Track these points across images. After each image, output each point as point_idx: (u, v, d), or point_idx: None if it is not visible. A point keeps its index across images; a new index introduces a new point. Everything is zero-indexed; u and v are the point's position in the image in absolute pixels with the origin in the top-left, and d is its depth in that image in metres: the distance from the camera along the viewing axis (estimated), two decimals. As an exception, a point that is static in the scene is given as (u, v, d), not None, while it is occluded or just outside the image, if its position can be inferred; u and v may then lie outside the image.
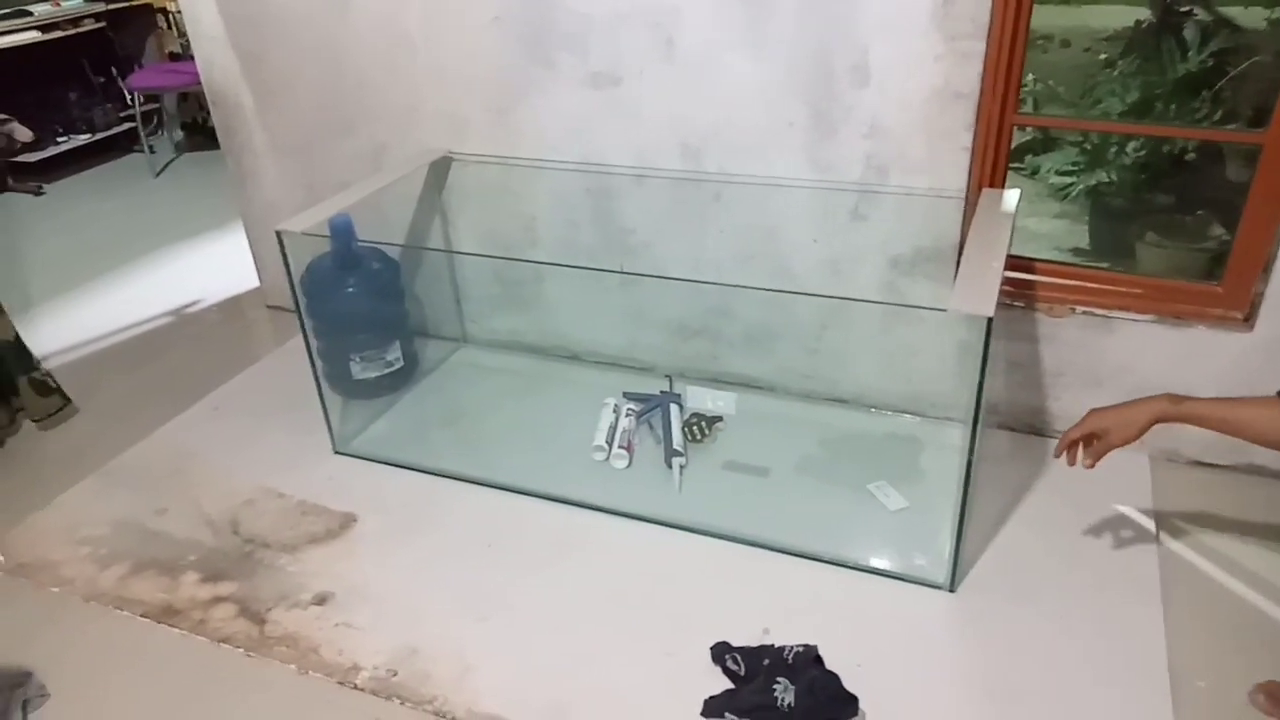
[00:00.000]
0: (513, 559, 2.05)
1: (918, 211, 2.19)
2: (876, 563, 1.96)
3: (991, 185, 2.14)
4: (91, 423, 2.68)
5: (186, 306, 3.33)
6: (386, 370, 2.61)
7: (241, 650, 1.86)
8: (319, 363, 2.62)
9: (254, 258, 3.20)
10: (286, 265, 2.20)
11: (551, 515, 2.17)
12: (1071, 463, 1.76)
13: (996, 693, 1.67)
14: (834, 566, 1.97)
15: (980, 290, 1.63)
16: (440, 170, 2.64)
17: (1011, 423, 2.36)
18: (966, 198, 2.13)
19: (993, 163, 2.12)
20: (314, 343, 2.59)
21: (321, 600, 1.97)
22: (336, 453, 2.43)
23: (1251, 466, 2.17)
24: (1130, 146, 3.31)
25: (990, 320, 1.59)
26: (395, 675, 1.78)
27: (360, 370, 2.57)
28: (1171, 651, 1.72)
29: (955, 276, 2.19)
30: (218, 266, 3.60)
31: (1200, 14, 3.74)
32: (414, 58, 2.49)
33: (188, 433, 2.57)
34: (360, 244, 2.50)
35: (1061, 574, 1.92)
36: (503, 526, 2.15)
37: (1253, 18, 3.65)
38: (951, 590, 1.89)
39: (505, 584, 1.98)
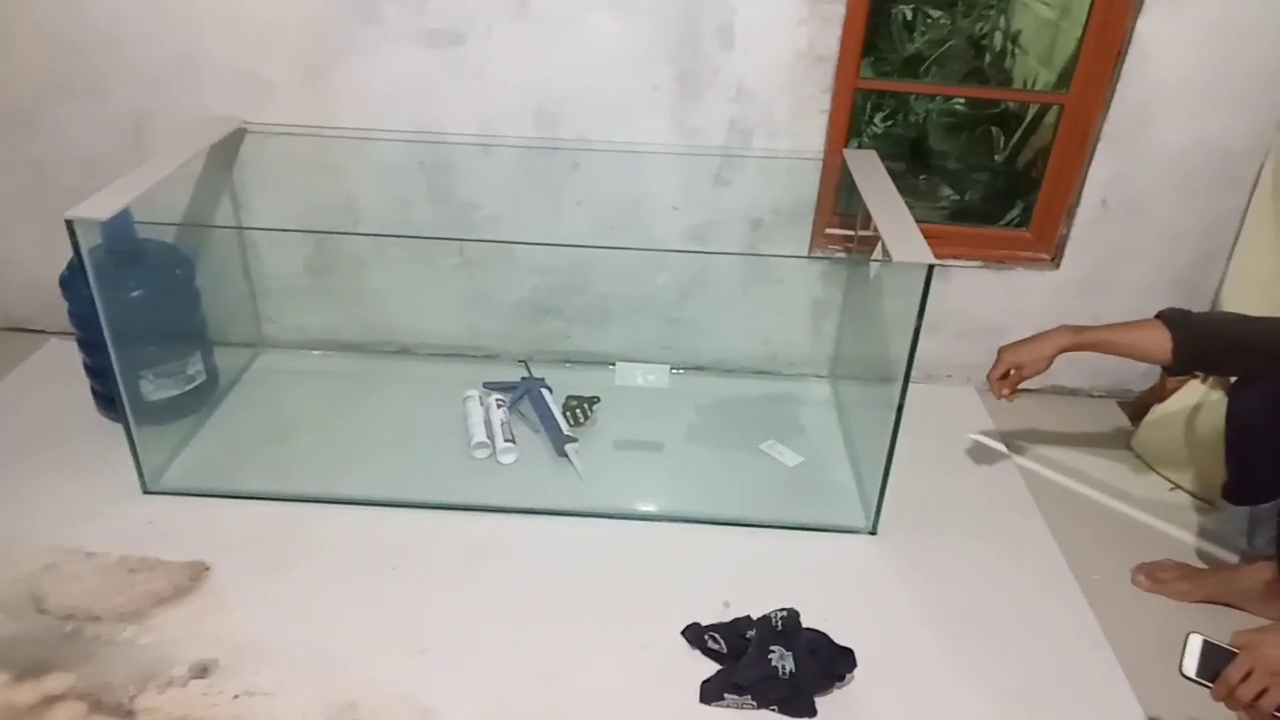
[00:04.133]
0: (423, 579, 1.81)
1: (777, 174, 2.24)
2: (797, 519, 1.99)
3: (840, 147, 2.24)
4: None
5: None
6: (187, 387, 2.17)
7: (118, 754, 1.45)
8: (92, 384, 2.14)
9: (-53, 265, 2.49)
10: (82, 263, 1.73)
11: (447, 525, 1.94)
12: (1001, 397, 1.89)
13: (947, 618, 1.77)
14: (758, 529, 1.98)
15: (912, 241, 1.71)
16: (230, 144, 2.23)
17: (856, 371, 2.51)
18: (824, 160, 2.21)
19: (843, 126, 2.22)
20: (87, 359, 2.11)
21: (203, 671, 1.59)
22: (147, 492, 1.98)
23: (1055, 387, 2.50)
24: (878, 119, 3.66)
25: (931, 267, 1.67)
26: (339, 738, 1.49)
27: (155, 389, 2.11)
28: (1065, 553, 1.95)
29: (812, 235, 2.30)
30: None
31: (904, 9, 4.27)
32: (193, 3, 2.07)
33: (-89, 495, 1.95)
34: (142, 235, 2.05)
35: (954, 502, 2.09)
36: (395, 545, 1.88)
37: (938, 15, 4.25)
38: (873, 533, 1.97)
39: (426, 608, 1.74)
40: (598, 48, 2.08)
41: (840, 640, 1.65)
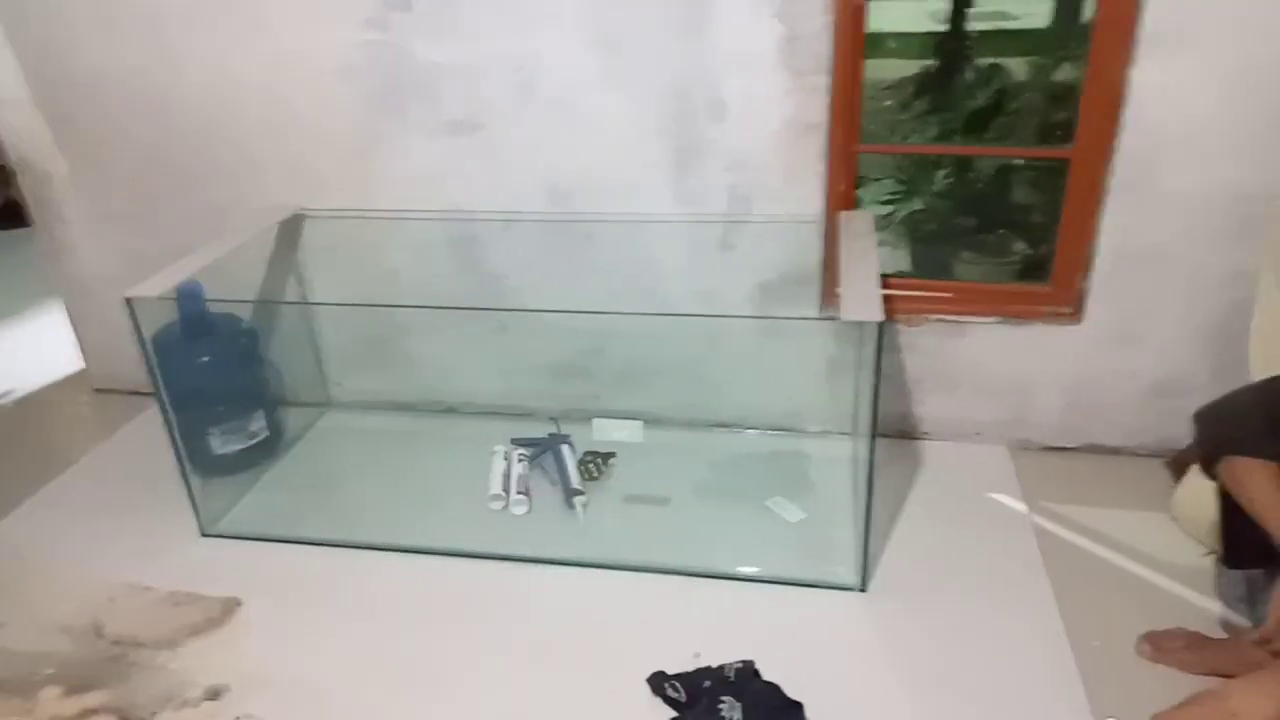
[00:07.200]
0: (423, 621, 1.95)
1: (780, 238, 2.31)
2: (788, 574, 2.01)
3: (844, 209, 2.29)
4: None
5: (-6, 400, 2.98)
6: (250, 442, 2.44)
7: (130, 763, 1.66)
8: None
9: (77, 338, 2.92)
10: (140, 336, 2.03)
11: (456, 571, 2.09)
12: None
13: (922, 678, 1.75)
14: (749, 583, 2.01)
15: (866, 299, 1.74)
16: (292, 228, 2.53)
17: (883, 429, 2.51)
18: (824, 222, 2.27)
19: (843, 189, 2.28)
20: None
21: (215, 694, 1.79)
22: (204, 535, 2.24)
23: (1092, 445, 2.40)
24: (939, 175, 3.64)
25: (881, 325, 1.70)
26: (315, 761, 1.64)
27: (221, 444, 2.39)
28: (1065, 619, 1.87)
29: (820, 296, 2.34)
30: (26, 354, 3.26)
31: (977, 61, 4.24)
32: (255, 111, 2.39)
33: (19, 536, 2.29)
34: (212, 310, 2.35)
35: (956, 562, 2.04)
36: (406, 590, 2.04)
37: (1018, 65, 4.18)
38: (863, 590, 1.97)
39: (421, 648, 1.88)
40: (598, 127, 2.24)
41: (799, 695, 1.67)
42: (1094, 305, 2.24)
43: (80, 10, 2.37)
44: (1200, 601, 1.92)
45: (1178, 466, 2.25)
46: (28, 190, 2.67)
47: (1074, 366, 2.31)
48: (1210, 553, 2.03)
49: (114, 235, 2.68)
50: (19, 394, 3.01)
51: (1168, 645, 1.77)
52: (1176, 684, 1.67)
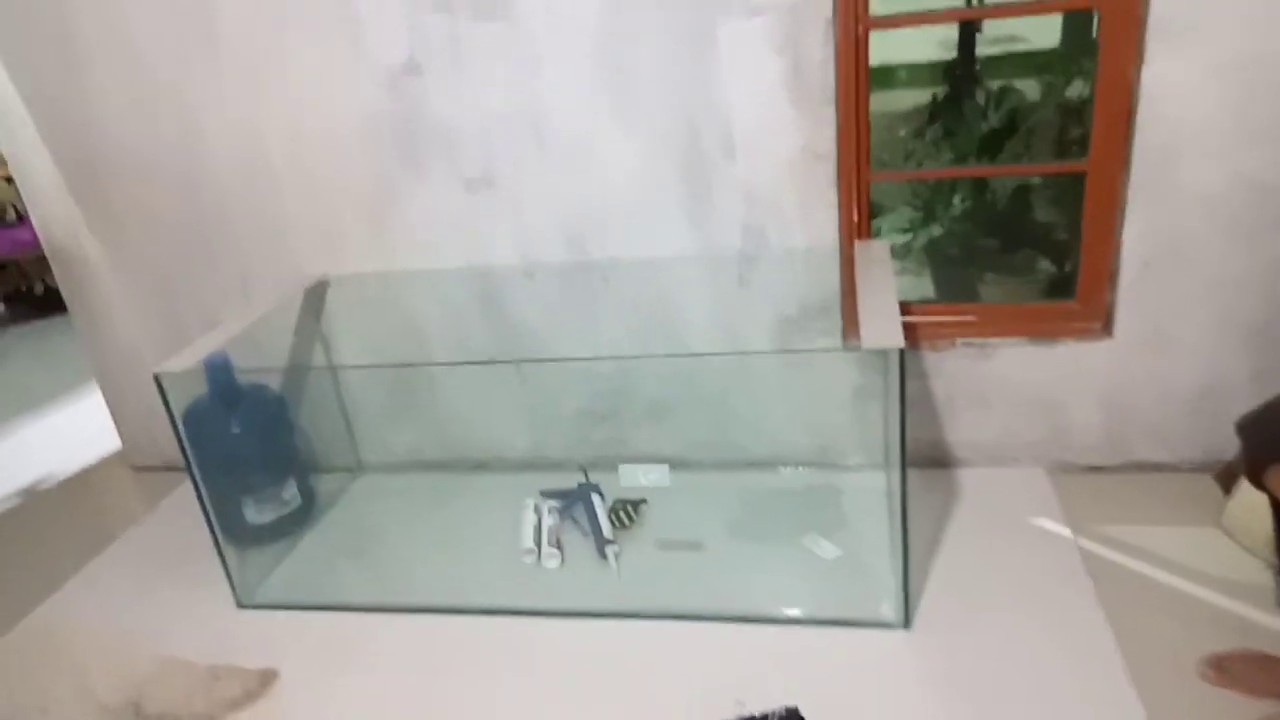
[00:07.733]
0: (462, 680, 1.93)
1: (798, 270, 2.30)
2: (829, 614, 1.96)
3: (858, 238, 2.27)
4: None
5: (37, 484, 3.03)
6: (284, 510, 2.45)
7: (171, 843, 1.64)
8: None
9: (113, 417, 2.97)
10: (169, 411, 2.05)
11: (492, 628, 2.06)
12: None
13: (975, 718, 1.68)
14: (789, 625, 1.96)
15: (885, 326, 1.72)
16: (317, 294, 2.56)
17: (914, 458, 2.46)
18: (840, 252, 2.25)
19: (857, 218, 2.26)
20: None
21: (254, 768, 1.78)
22: (241, 606, 2.24)
23: (1135, 463, 2.33)
24: (956, 199, 3.62)
25: (901, 351, 1.67)
26: (356, 832, 1.61)
27: (256, 514, 2.40)
28: (1121, 646, 1.79)
29: (842, 326, 2.32)
30: (67, 436, 3.33)
31: (986, 85, 4.25)
32: (277, 177, 2.44)
33: (62, 615, 2.31)
34: (241, 380, 2.37)
35: (1002, 593, 1.98)
36: (443, 650, 2.02)
37: (1030, 85, 4.18)
38: (906, 627, 1.91)
39: (460, 707, 1.85)
40: (610, 172, 2.26)
41: (847, 739, 1.62)
42: (1124, 317, 2.19)
43: (106, 91, 2.45)
44: (1264, 619, 1.84)
45: (1227, 478, 2.18)
46: (61, 275, 2.74)
47: (1109, 382, 2.26)
48: (1271, 566, 1.95)
49: (144, 312, 2.73)
50: (60, 477, 3.06)
51: (1233, 667, 1.69)
52: (1244, 709, 1.60)
